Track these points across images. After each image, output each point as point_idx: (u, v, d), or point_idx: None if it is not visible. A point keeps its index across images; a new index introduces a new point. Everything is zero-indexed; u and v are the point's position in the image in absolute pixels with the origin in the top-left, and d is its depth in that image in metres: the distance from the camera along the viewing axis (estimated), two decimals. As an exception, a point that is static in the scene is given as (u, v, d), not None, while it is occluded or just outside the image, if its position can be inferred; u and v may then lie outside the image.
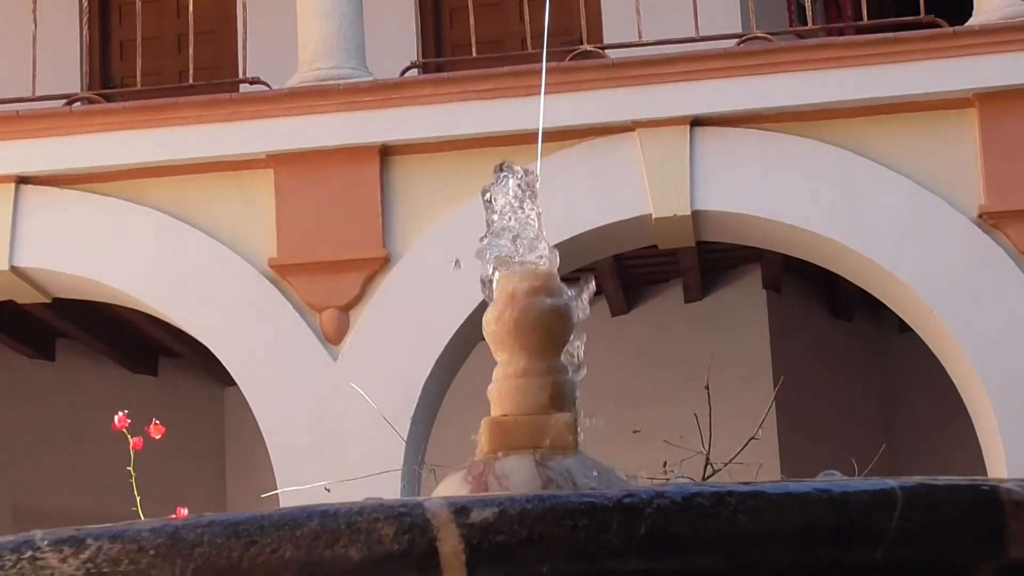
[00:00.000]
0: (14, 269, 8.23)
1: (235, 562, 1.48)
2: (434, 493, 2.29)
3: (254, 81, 8.54)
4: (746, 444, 5.58)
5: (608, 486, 2.10)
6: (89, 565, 1.47)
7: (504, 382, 2.25)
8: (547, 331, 2.26)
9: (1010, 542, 1.57)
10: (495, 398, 2.27)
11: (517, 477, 2.13)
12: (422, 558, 1.45)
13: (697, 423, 5.53)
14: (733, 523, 1.53)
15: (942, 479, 1.61)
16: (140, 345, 10.68)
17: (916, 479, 1.58)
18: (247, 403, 8.12)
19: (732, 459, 5.53)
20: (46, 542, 1.50)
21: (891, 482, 1.57)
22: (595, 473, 2.14)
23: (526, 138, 7.73)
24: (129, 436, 5.92)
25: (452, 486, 2.17)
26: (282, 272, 8.11)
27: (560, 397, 2.28)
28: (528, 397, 2.23)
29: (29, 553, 1.50)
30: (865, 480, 1.58)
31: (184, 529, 1.50)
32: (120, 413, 5.92)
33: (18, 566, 1.51)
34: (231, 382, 9.19)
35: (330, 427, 7.90)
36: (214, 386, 10.88)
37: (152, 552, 1.48)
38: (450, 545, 1.44)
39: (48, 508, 10.50)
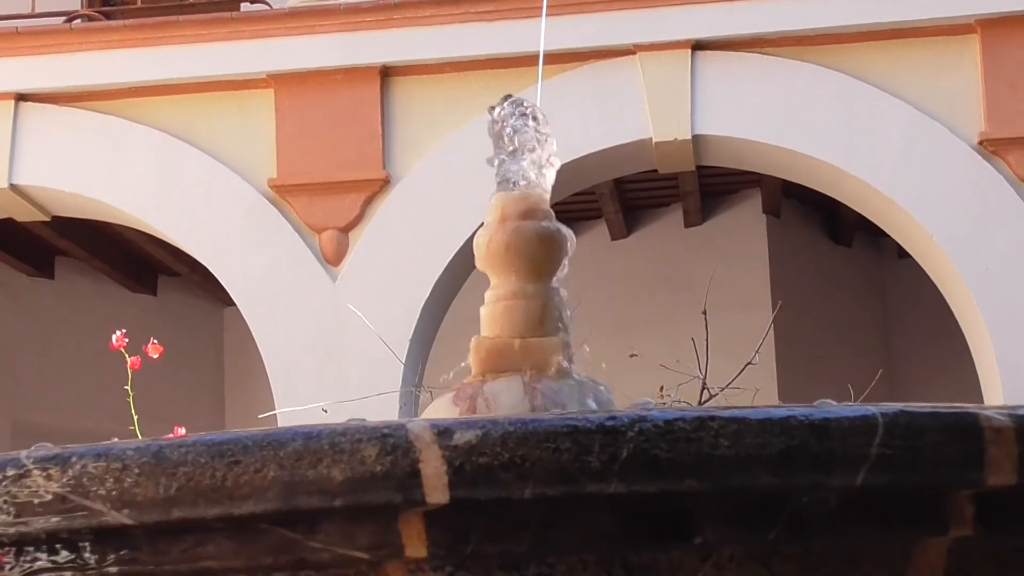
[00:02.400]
0: (13, 187, 8.23)
1: (219, 481, 1.49)
2: (423, 415, 2.30)
3: (255, 0, 8.50)
4: (743, 369, 5.59)
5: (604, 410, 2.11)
6: (74, 482, 1.48)
7: (495, 304, 2.25)
8: (538, 253, 2.26)
9: (989, 469, 1.58)
10: (486, 320, 2.28)
11: (506, 399, 2.14)
12: (404, 479, 1.46)
13: (695, 347, 5.54)
14: (714, 447, 1.54)
15: (925, 406, 1.62)
16: (139, 264, 10.69)
17: (898, 406, 1.59)
18: (246, 323, 8.14)
19: (729, 384, 5.54)
20: (31, 460, 1.51)
21: (872, 408, 1.58)
22: (591, 397, 2.15)
23: (527, 61, 7.70)
24: (127, 355, 5.93)
25: (441, 408, 2.18)
26: (282, 192, 8.11)
27: (551, 320, 2.28)
28: (518, 319, 2.24)
29: (14, 472, 1.51)
30: (846, 406, 1.60)
31: (168, 448, 1.51)
32: (118, 332, 5.92)
33: (3, 484, 1.52)
34: (230, 302, 9.20)
35: (329, 348, 7.92)
36: (213, 306, 10.90)
37: (136, 471, 1.49)
38: (432, 467, 1.45)
39: (47, 426, 10.52)
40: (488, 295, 2.33)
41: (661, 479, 1.54)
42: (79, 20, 8.62)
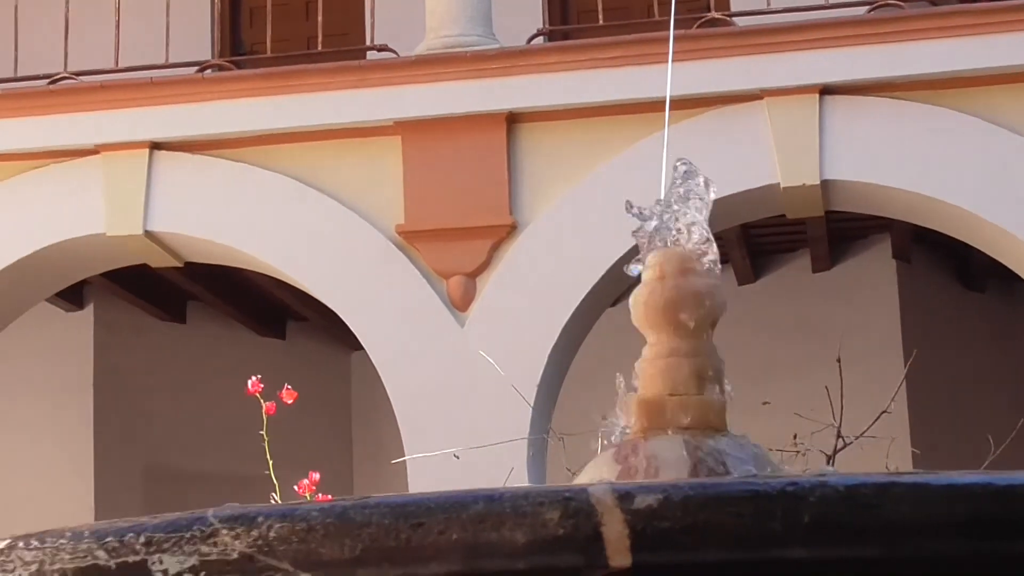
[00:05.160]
0: (148, 233, 8.36)
1: (402, 543, 1.51)
2: (582, 472, 2.32)
3: (382, 48, 8.59)
4: (877, 418, 5.54)
5: (760, 468, 2.11)
6: (260, 542, 1.51)
7: (653, 361, 2.26)
8: (697, 311, 2.27)
9: None
10: (644, 377, 2.28)
11: (667, 457, 2.15)
12: (586, 542, 1.47)
13: (828, 395, 5.50)
14: (896, 513, 1.53)
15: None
16: (268, 309, 10.82)
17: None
18: (373, 368, 8.20)
19: (863, 433, 5.49)
20: (218, 519, 1.54)
21: (1056, 474, 1.57)
22: (746, 454, 2.15)
23: (653, 106, 7.72)
24: (262, 400, 6.01)
25: (601, 465, 2.19)
26: (409, 239, 8.17)
27: (709, 377, 2.29)
28: (678, 376, 2.24)
29: (201, 531, 1.54)
30: (1030, 473, 1.58)
31: (352, 510, 1.53)
32: (253, 378, 6.00)
33: (192, 543, 1.55)
34: (357, 347, 9.28)
35: (457, 393, 7.95)
36: (341, 351, 10.99)
37: (321, 531, 1.51)
38: (614, 530, 1.46)
39: (178, 468, 10.69)
40: (646, 352, 2.34)
41: (843, 545, 1.54)
42: (210, 69, 8.76)
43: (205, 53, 10.04)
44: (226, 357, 10.73)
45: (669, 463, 2.12)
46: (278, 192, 8.28)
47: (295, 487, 5.99)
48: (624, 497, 1.48)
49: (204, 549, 1.58)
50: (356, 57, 8.91)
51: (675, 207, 2.26)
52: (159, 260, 8.80)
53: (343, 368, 11.11)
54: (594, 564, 1.49)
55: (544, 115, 8.17)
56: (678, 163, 2.32)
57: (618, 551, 1.48)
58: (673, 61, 7.98)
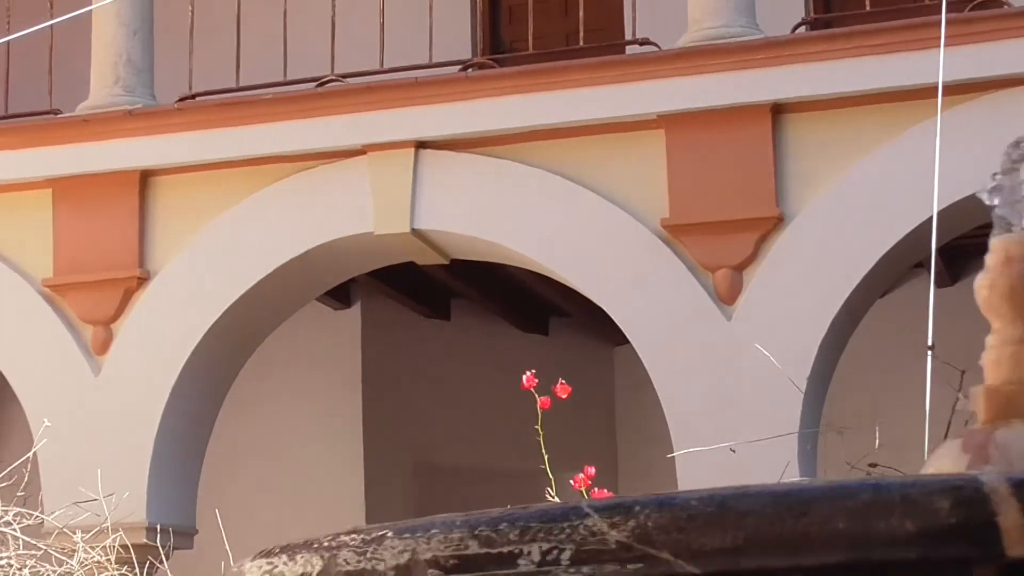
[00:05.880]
0: (415, 231, 8.47)
1: (786, 532, 1.47)
2: (927, 463, 2.26)
3: (643, 42, 8.56)
4: None
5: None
6: (638, 531, 1.49)
7: (999, 349, 2.19)
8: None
9: None
10: (989, 365, 2.21)
11: (1019, 447, 2.08)
12: (980, 532, 1.42)
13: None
14: None
15: None
16: (532, 305, 10.87)
17: None
18: (638, 362, 8.18)
19: None
20: (593, 509, 1.53)
21: None
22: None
23: (922, 93, 7.55)
24: (536, 395, 6.04)
25: (948, 455, 2.13)
26: (674, 232, 8.12)
27: (1059, 364, 2.20)
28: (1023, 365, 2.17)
29: (578, 520, 1.53)
30: None
31: (733, 499, 1.50)
32: (528, 373, 6.05)
33: (569, 533, 1.54)
34: (621, 341, 9.27)
35: (724, 387, 7.89)
36: (604, 345, 10.99)
37: (701, 521, 1.48)
38: (1011, 520, 1.41)
39: (446, 465, 10.82)
40: (990, 340, 2.26)
41: None
42: (472, 68, 8.83)
43: (466, 52, 10.14)
44: (490, 354, 10.82)
45: (1020, 454, 2.05)
46: (541, 188, 8.31)
47: (570, 481, 6.00)
48: (1019, 486, 1.43)
49: (579, 538, 1.57)
50: (616, 52, 8.90)
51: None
52: (425, 258, 8.91)
53: (606, 363, 11.12)
54: (988, 555, 1.44)
55: (810, 105, 8.05)
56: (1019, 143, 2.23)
57: (1016, 541, 1.42)
58: (945, 46, 7.80)
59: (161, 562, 8.10)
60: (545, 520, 1.59)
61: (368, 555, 1.65)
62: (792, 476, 7.20)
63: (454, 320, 11.08)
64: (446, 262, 8.98)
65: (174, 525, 8.50)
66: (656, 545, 1.53)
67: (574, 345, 10.97)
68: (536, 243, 8.32)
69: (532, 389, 6.07)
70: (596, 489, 5.99)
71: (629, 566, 1.53)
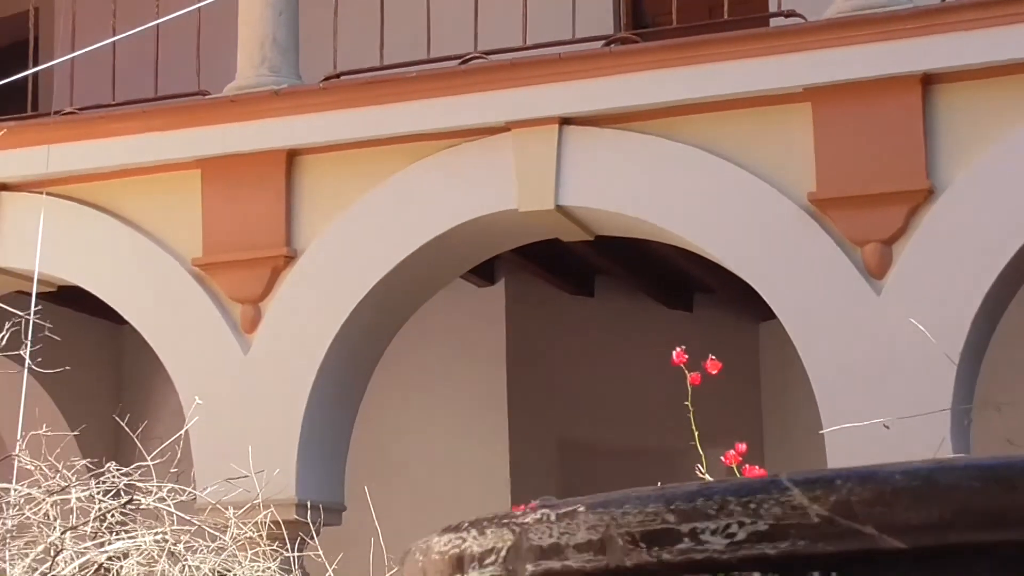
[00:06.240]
0: (559, 208, 8.46)
1: (994, 506, 1.43)
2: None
3: (789, 14, 8.47)
4: None
5: None
6: (841, 505, 1.46)
7: None
8: None
9: None
10: None
11: None
12: None
13: None
14: None
15: None
16: (675, 281, 10.82)
17: None
18: (784, 338, 8.10)
19: None
20: (793, 482, 1.50)
21: None
22: None
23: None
24: (687, 371, 6.00)
25: None
26: (822, 206, 8.03)
27: None
28: None
29: (779, 495, 1.50)
30: None
31: (938, 473, 1.46)
32: (678, 348, 6.01)
33: (766, 506, 1.51)
34: (765, 317, 9.20)
35: (874, 363, 7.79)
36: (748, 321, 10.92)
37: (907, 495, 1.45)
38: None
39: (590, 441, 10.81)
40: None
41: None
42: (615, 43, 8.79)
43: (609, 27, 10.10)
44: (634, 330, 10.79)
45: None
46: (686, 163, 8.26)
47: (720, 458, 5.96)
48: None
49: (778, 512, 1.54)
50: (761, 24, 8.81)
51: None
52: (570, 234, 8.89)
53: (751, 339, 11.03)
54: None
55: (961, 75, 7.91)
56: None
57: None
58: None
59: (311, 538, 8.19)
60: (743, 494, 1.56)
61: (560, 530, 1.64)
62: (946, 453, 7.10)
63: (598, 296, 11.05)
64: (590, 238, 8.96)
65: (323, 502, 8.58)
66: (860, 519, 1.50)
67: (718, 321, 10.89)
68: (681, 218, 8.27)
69: (682, 365, 6.02)
70: (747, 466, 5.94)
71: (830, 541, 1.50)
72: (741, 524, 1.59)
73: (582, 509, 1.68)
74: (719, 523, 1.59)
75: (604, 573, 1.66)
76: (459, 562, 1.78)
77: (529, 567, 1.73)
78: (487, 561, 1.76)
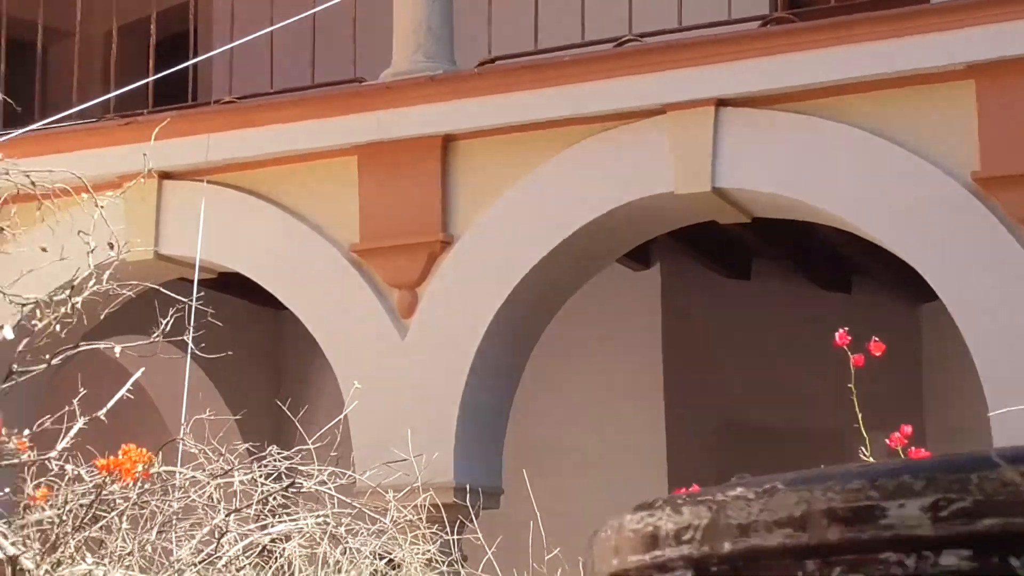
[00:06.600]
0: (716, 190, 8.39)
1: None
2: None
3: (947, -10, 8.32)
4: None
5: None
6: (1056, 484, 1.41)
7: None
8: None
9: None
10: None
11: None
12: None
13: None
14: None
15: None
16: (833, 263, 10.70)
17: None
18: (945, 320, 7.97)
19: None
20: (1003, 458, 1.46)
21: None
22: None
23: None
24: (850, 352, 5.94)
25: None
26: (986, 185, 7.88)
27: None
28: None
29: (988, 471, 1.46)
30: None
31: None
32: (841, 330, 5.95)
33: (978, 483, 1.47)
34: (928, 298, 9.06)
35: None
36: (909, 303, 10.76)
37: None
38: None
39: (749, 424, 10.74)
40: None
41: None
42: (772, 23, 8.69)
43: (764, 7, 10.00)
44: (791, 313, 10.69)
45: None
46: (845, 143, 8.15)
47: (886, 441, 5.88)
48: None
49: (990, 489, 1.50)
50: (921, 1, 8.66)
51: None
52: (726, 216, 8.82)
53: (912, 321, 10.87)
54: None
55: None
56: None
57: None
58: None
59: (470, 521, 8.22)
60: (951, 470, 1.52)
61: (760, 507, 1.61)
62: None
63: (754, 279, 10.96)
64: (747, 220, 8.88)
65: (482, 485, 8.61)
66: (1075, 496, 1.45)
67: (878, 303, 10.74)
68: (841, 199, 8.16)
69: (845, 347, 5.97)
70: (912, 448, 5.86)
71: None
72: (949, 501, 1.55)
73: (781, 486, 1.64)
74: (925, 500, 1.55)
75: (804, 550, 1.63)
76: (653, 539, 1.76)
77: (727, 544, 1.70)
78: (684, 538, 1.74)
